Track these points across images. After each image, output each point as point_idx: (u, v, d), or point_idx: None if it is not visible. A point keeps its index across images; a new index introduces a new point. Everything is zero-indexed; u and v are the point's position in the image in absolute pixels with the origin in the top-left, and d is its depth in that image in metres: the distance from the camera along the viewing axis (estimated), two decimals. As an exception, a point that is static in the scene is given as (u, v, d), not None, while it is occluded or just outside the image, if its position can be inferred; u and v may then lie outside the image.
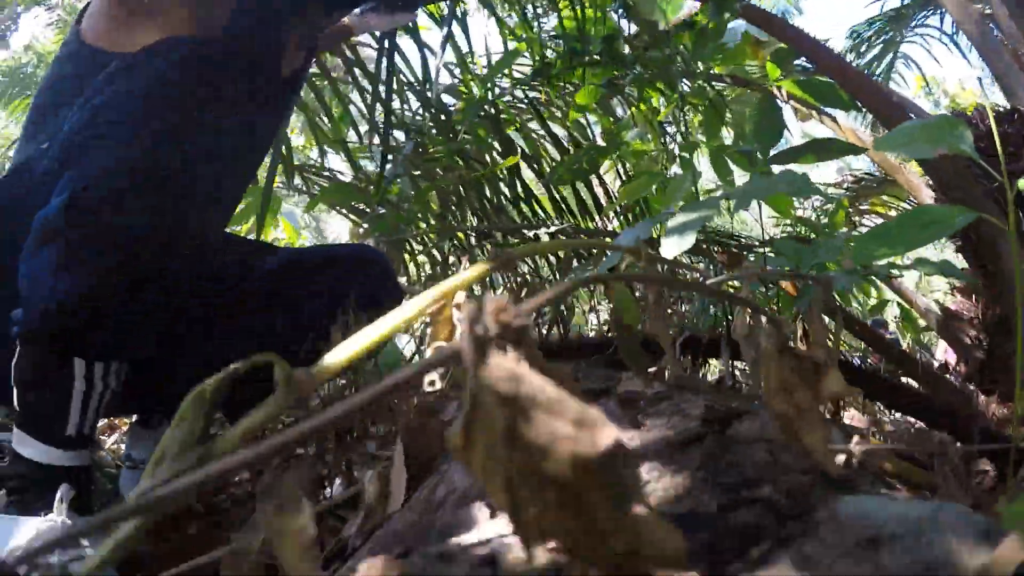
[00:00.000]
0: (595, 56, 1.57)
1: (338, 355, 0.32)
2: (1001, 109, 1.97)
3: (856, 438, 0.41)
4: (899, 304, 2.04)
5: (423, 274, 2.33)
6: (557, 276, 2.17)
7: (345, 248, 1.40)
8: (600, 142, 2.09)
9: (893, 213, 2.61)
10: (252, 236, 2.20)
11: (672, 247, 0.74)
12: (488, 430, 0.19)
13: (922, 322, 2.05)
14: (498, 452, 0.18)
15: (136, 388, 0.99)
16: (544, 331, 1.34)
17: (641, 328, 0.54)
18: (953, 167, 1.44)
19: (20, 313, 0.82)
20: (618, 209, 2.13)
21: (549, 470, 0.18)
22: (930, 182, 1.85)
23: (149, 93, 0.83)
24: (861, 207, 2.65)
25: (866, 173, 2.58)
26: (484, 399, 0.19)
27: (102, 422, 1.44)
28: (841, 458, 0.43)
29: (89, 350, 0.84)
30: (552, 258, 2.22)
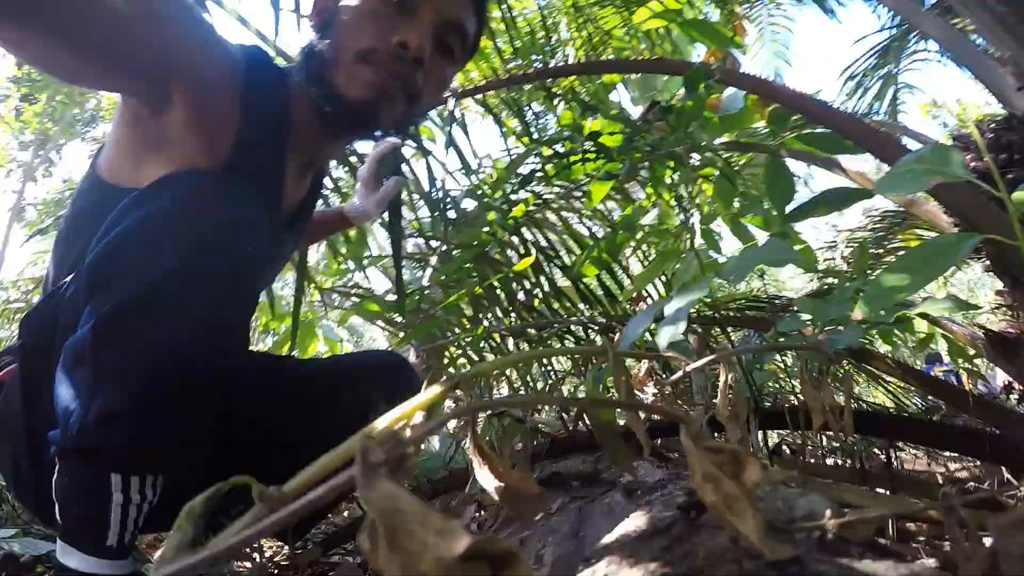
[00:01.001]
0: (587, 155, 1.65)
1: (306, 474, 0.39)
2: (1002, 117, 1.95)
3: (828, 512, 0.43)
4: (943, 336, 1.98)
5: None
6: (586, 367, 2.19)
7: (369, 355, 1.45)
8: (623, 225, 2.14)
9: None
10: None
11: (665, 337, 0.77)
12: (379, 537, 0.23)
13: (971, 350, 1.98)
14: (388, 554, 0.23)
15: (176, 502, 1.02)
16: (573, 425, 1.36)
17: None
18: (958, 190, 1.43)
19: (56, 433, 0.88)
20: (634, 296, 2.16)
21: (422, 571, 0.22)
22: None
23: (155, 226, 0.88)
24: (890, 245, 2.62)
25: (888, 210, 2.56)
26: (373, 514, 0.23)
27: (149, 536, 1.50)
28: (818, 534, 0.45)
29: (121, 465, 0.88)
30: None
